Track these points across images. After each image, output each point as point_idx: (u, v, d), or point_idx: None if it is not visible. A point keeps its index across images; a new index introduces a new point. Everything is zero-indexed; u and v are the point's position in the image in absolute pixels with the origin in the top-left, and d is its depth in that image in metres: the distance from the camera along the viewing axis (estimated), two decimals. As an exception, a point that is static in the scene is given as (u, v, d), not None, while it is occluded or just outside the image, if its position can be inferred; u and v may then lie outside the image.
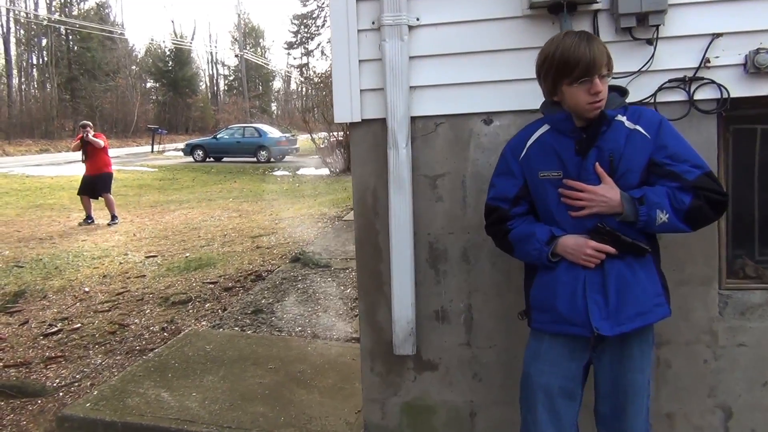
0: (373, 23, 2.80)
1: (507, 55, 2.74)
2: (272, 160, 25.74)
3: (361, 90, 2.84)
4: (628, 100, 2.61)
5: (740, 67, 2.59)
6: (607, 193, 1.96)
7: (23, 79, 48.16)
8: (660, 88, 2.65)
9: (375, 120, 2.84)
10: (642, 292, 1.99)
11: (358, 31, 2.81)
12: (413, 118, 2.80)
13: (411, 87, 2.77)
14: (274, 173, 21.40)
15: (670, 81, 2.64)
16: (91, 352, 4.68)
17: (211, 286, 6.41)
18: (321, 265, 6.84)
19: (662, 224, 1.94)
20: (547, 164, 2.09)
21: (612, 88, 2.11)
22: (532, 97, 2.71)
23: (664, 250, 2.66)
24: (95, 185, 10.79)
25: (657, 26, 2.60)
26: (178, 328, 5.10)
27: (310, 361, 4.11)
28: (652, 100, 2.65)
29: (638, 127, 2.02)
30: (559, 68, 1.99)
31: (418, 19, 2.76)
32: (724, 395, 2.72)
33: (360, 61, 2.82)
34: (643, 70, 2.64)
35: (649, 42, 2.63)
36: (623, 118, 2.05)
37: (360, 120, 2.86)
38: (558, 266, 2.06)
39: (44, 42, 47.92)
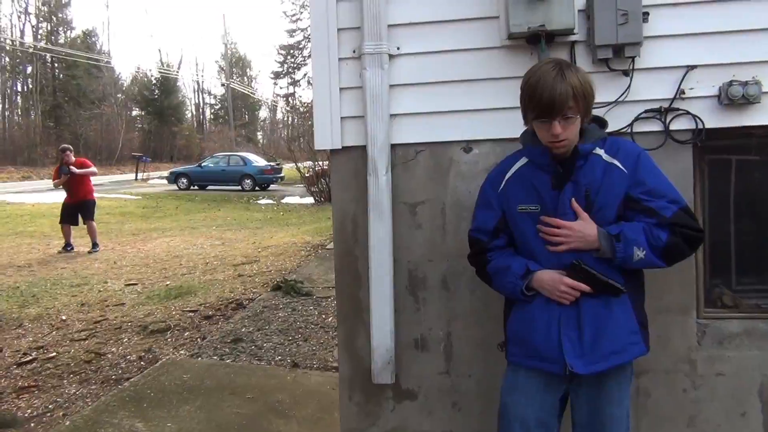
0: (353, 52, 2.82)
1: (486, 85, 2.77)
2: (257, 188, 25.71)
3: (341, 117, 2.85)
4: (608, 129, 2.67)
5: (714, 99, 2.64)
6: (583, 230, 1.94)
7: (7, 106, 48.08)
8: (636, 119, 2.69)
9: (355, 147, 2.85)
10: (617, 331, 1.97)
11: (339, 59, 2.84)
12: (393, 146, 2.82)
13: (391, 115, 2.79)
14: (259, 202, 21.35)
15: (646, 111, 2.68)
16: (65, 381, 4.58)
17: (191, 314, 6.33)
18: (303, 294, 6.79)
19: (639, 261, 1.93)
20: (524, 198, 2.07)
21: (592, 119, 2.09)
22: (511, 126, 2.73)
23: (643, 277, 2.69)
24: (78, 213, 10.66)
25: (633, 58, 2.65)
26: (156, 357, 5.01)
27: (290, 390, 4.05)
28: (629, 130, 2.69)
29: (616, 162, 1.99)
30: (525, 101, 2.00)
31: (398, 49, 2.79)
32: (704, 425, 2.71)
33: (341, 88, 2.84)
34: (619, 100, 2.68)
35: (626, 73, 2.68)
36: (601, 152, 2.02)
37: (340, 147, 2.86)
38: (534, 301, 2.04)
39: (29, 70, 47.94)
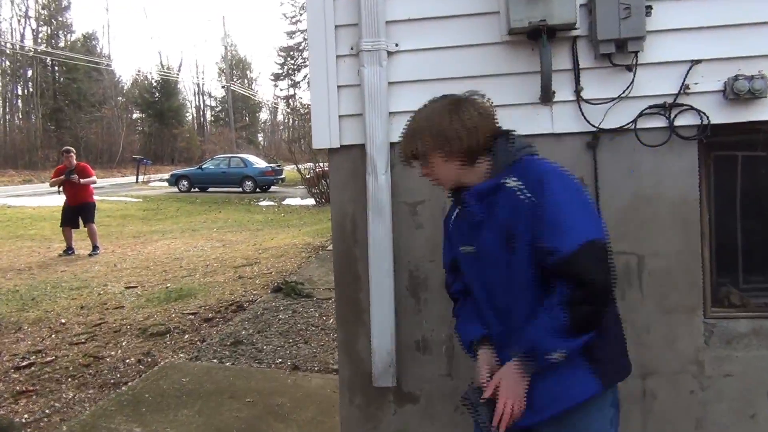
0: (351, 49, 2.77)
1: (486, 81, 2.72)
2: (258, 190, 25.66)
3: (339, 116, 2.80)
4: (611, 126, 2.62)
5: (720, 94, 2.59)
6: (511, 387, 1.73)
7: (7, 110, 48.10)
8: (640, 115, 2.64)
9: (354, 146, 2.80)
10: (555, 379, 1.73)
11: (337, 56, 2.79)
12: (393, 144, 2.76)
13: (390, 113, 2.74)
14: (260, 203, 21.31)
15: (650, 107, 2.64)
16: (63, 385, 4.53)
17: (191, 317, 6.28)
18: (303, 295, 6.74)
19: (562, 358, 1.67)
20: (462, 239, 1.93)
21: (503, 138, 1.85)
22: (513, 124, 2.68)
23: (649, 277, 2.64)
24: (79, 216, 10.62)
25: (636, 53, 2.60)
26: (155, 360, 4.96)
27: (290, 393, 4.00)
28: (633, 127, 2.64)
29: (526, 191, 1.72)
30: None
31: (397, 45, 2.74)
32: (712, 427, 2.66)
33: (338, 86, 2.80)
34: (623, 96, 2.63)
35: (629, 68, 2.63)
36: (513, 181, 1.75)
37: (339, 146, 2.82)
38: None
39: (30, 73, 48.00)
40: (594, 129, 2.67)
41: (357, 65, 2.75)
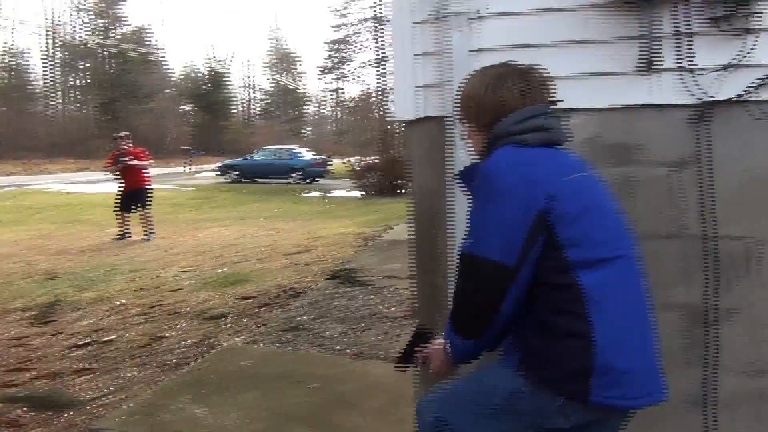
0: (435, 13, 2.60)
1: (579, 48, 2.53)
2: (305, 181, 25.74)
3: (422, 84, 2.64)
4: (721, 97, 2.39)
5: None
6: (435, 357, 1.89)
7: (65, 100, 49.54)
8: (755, 85, 2.38)
9: (436, 117, 2.62)
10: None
11: (422, 20, 2.63)
12: (479, 115, 2.58)
13: (477, 81, 2.55)
14: (308, 194, 21.37)
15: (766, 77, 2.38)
16: (123, 364, 4.49)
17: (247, 301, 6.22)
18: (360, 283, 6.60)
19: (455, 348, 1.76)
20: None
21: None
22: (606, 93, 2.51)
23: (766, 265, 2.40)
24: (133, 201, 10.73)
25: (752, 15, 2.35)
26: (213, 343, 4.89)
27: (353, 381, 3.85)
28: (746, 98, 2.39)
29: None
30: None
31: (486, 8, 2.56)
32: (832, 432, 2.40)
33: (423, 53, 2.63)
34: (735, 64, 2.39)
35: (743, 33, 2.38)
36: None
37: (421, 116, 2.65)
38: None
39: (85, 65, 49.35)
40: (701, 101, 2.43)
41: (441, 31, 2.58)
